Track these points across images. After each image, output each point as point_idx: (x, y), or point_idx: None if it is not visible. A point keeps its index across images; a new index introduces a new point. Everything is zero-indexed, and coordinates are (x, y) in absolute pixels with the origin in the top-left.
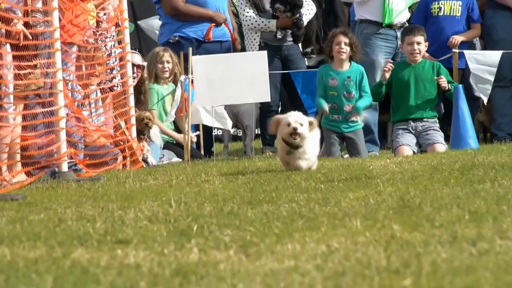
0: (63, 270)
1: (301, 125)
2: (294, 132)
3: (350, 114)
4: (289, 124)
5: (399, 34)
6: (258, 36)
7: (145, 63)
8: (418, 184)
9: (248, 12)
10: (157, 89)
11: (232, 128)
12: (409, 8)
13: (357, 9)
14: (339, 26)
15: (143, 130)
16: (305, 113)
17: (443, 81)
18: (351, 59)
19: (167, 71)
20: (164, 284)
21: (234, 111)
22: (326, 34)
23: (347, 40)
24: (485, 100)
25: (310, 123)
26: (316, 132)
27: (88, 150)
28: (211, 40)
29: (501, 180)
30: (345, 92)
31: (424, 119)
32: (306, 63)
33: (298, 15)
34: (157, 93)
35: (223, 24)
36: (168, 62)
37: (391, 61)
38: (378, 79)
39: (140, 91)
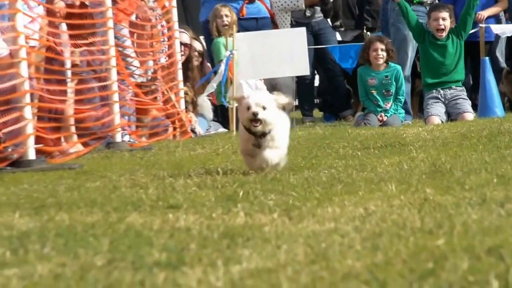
0: (118, 233)
1: (264, 108)
2: (255, 119)
3: (387, 113)
4: (248, 108)
5: (428, 9)
6: (288, 15)
7: (198, 46)
8: (449, 150)
9: None
10: (222, 41)
11: None
12: None
13: None
14: (372, 3)
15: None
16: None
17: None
18: (387, 61)
19: (226, 24)
20: (213, 246)
21: (272, 84)
22: (360, 10)
23: (383, 47)
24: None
25: (281, 104)
26: (285, 119)
27: (140, 122)
28: (247, 17)
29: None
30: (383, 90)
31: (452, 87)
32: (340, 37)
33: None
34: (223, 45)
35: (257, 1)
36: (227, 16)
37: None
38: (410, 53)
39: (188, 68)
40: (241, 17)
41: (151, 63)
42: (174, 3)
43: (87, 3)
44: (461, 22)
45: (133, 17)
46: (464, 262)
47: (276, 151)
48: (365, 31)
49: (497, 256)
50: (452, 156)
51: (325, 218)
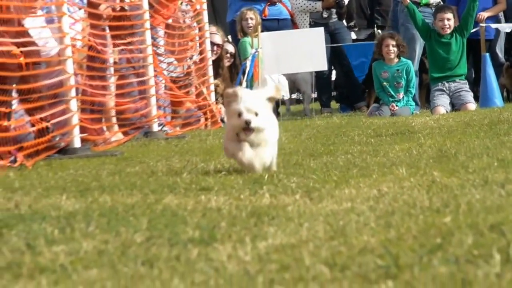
0: (156, 213)
1: (256, 114)
2: (247, 128)
3: (398, 103)
4: (239, 114)
5: (434, 10)
6: (307, 16)
7: (231, 48)
8: (453, 137)
9: None
10: (248, 41)
11: (294, 94)
12: None
13: None
14: (381, 3)
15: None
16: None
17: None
18: (399, 55)
19: (251, 26)
20: (241, 224)
21: (292, 78)
22: (372, 11)
23: (394, 43)
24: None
25: (270, 98)
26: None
27: (173, 112)
28: (269, 18)
29: None
30: (395, 83)
31: (456, 81)
32: (355, 36)
33: None
34: (249, 44)
35: (279, 3)
36: (251, 18)
37: None
38: (417, 49)
39: (219, 65)
40: (263, 18)
41: (185, 60)
42: (205, 6)
43: (126, 7)
44: (463, 22)
45: (169, 20)
46: (469, 237)
47: (267, 150)
48: (376, 29)
49: (499, 232)
50: (456, 142)
51: (342, 199)
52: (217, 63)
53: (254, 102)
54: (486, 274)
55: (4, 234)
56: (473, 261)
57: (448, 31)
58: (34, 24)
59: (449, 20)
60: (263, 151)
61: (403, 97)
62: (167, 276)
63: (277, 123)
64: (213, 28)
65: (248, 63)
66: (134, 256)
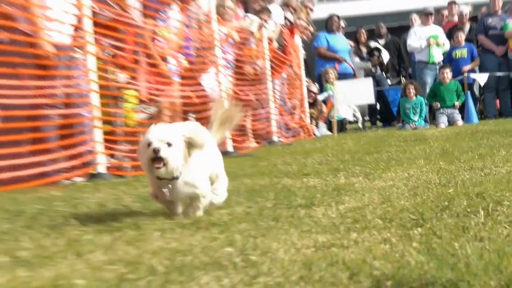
0: (278, 189)
1: (169, 145)
2: (156, 157)
3: (415, 122)
4: (149, 144)
5: (437, 67)
6: (362, 71)
7: (315, 89)
8: (450, 141)
9: (356, 59)
10: (329, 86)
11: (349, 117)
12: (442, 54)
13: (416, 54)
14: (404, 62)
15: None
16: (389, 108)
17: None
18: (416, 94)
19: (330, 77)
20: (328, 195)
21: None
22: (400, 67)
23: (413, 87)
24: (482, 83)
25: (195, 144)
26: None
27: (285, 129)
28: (339, 72)
29: (492, 137)
30: (413, 111)
31: (451, 107)
32: (390, 82)
33: (381, 59)
34: (330, 88)
35: (345, 63)
36: (331, 74)
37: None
38: (427, 90)
39: (314, 105)
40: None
41: (293, 99)
42: (302, 66)
43: (257, 68)
44: (460, 95)
45: (283, 74)
46: (464, 201)
47: (201, 203)
48: (402, 78)
49: (482, 197)
50: (452, 144)
51: (387, 179)
52: (313, 103)
53: (168, 132)
54: (476, 223)
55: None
56: (467, 215)
57: (448, 81)
58: (206, 78)
59: (448, 73)
60: (192, 207)
61: (417, 119)
62: (286, 227)
63: (215, 168)
64: (310, 80)
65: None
66: (267, 215)
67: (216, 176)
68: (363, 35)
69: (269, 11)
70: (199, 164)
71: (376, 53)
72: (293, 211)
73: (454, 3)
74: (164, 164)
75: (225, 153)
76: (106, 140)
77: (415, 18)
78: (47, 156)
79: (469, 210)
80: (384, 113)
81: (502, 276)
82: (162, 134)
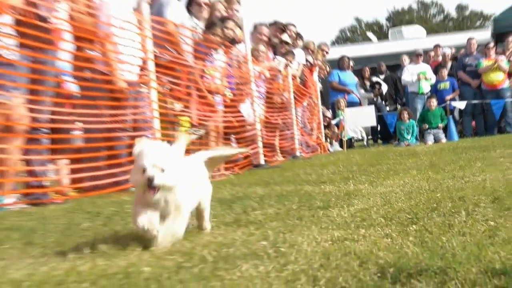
0: (301, 194)
1: (163, 170)
2: (150, 185)
3: (408, 140)
4: (144, 170)
5: (426, 97)
6: (366, 100)
7: (329, 114)
8: (436, 155)
9: (361, 90)
10: (341, 112)
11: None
12: (430, 86)
13: (408, 86)
14: (400, 92)
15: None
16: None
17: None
18: (409, 118)
19: (341, 105)
20: (341, 199)
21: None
22: (396, 97)
23: (406, 112)
24: (461, 109)
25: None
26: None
27: (305, 146)
28: (348, 101)
29: (470, 152)
30: (407, 131)
31: (436, 128)
32: (388, 108)
33: (381, 90)
34: (341, 114)
35: (353, 94)
36: (341, 102)
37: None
38: (418, 115)
39: (328, 127)
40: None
41: (311, 123)
42: (319, 95)
43: (284, 99)
44: (444, 119)
45: (304, 103)
46: (449, 203)
47: (178, 221)
48: (398, 105)
49: (463, 200)
50: (438, 157)
51: (386, 186)
52: (327, 126)
53: (162, 157)
54: (459, 221)
55: (232, 206)
56: (452, 215)
57: (434, 108)
58: (244, 106)
59: (433, 102)
60: (172, 222)
61: (410, 138)
62: (308, 225)
63: (202, 182)
64: (325, 107)
65: (341, 123)
66: (293, 215)
67: (202, 208)
68: (367, 72)
69: (293, 54)
70: (188, 190)
71: (377, 86)
72: (313, 211)
73: (439, 46)
74: (158, 191)
75: (258, 166)
76: None
77: (405, 58)
78: (120, 169)
79: (453, 210)
80: (383, 133)
81: (481, 264)
82: (156, 159)
